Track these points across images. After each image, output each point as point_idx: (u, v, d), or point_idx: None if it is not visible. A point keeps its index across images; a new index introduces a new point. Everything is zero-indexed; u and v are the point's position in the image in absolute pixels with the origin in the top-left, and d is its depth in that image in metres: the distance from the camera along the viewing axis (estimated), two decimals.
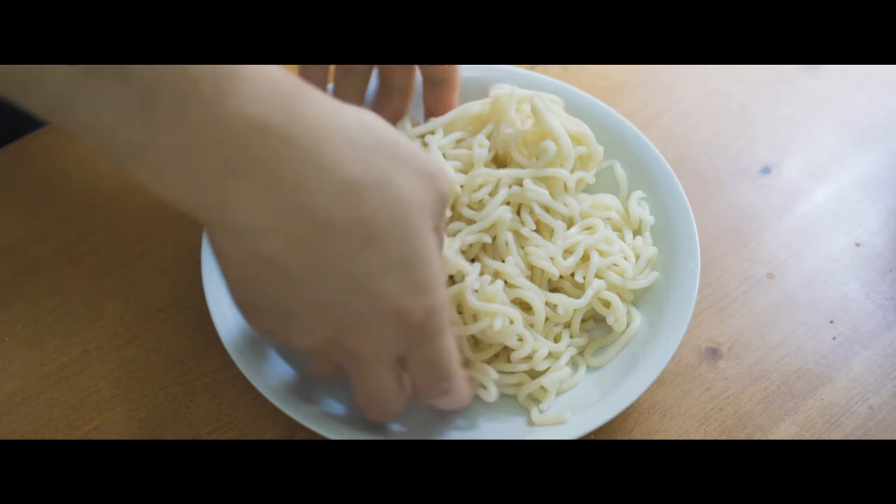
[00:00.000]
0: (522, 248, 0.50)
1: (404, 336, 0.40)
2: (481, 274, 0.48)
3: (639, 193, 0.55)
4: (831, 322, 0.55)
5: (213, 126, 0.35)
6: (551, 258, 0.50)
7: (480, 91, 0.58)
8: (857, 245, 0.58)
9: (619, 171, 0.56)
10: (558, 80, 0.59)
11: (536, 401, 0.49)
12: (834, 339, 0.54)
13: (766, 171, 0.62)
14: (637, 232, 0.55)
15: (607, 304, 0.51)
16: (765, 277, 0.57)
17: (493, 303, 0.47)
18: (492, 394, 0.48)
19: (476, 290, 0.48)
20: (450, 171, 0.50)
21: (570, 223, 0.52)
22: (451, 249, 0.48)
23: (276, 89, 0.36)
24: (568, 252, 0.51)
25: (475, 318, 0.48)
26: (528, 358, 0.49)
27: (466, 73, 0.59)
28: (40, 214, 0.57)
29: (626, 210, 0.55)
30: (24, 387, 0.50)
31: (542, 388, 0.49)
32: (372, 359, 0.41)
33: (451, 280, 0.49)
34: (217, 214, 0.37)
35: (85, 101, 0.34)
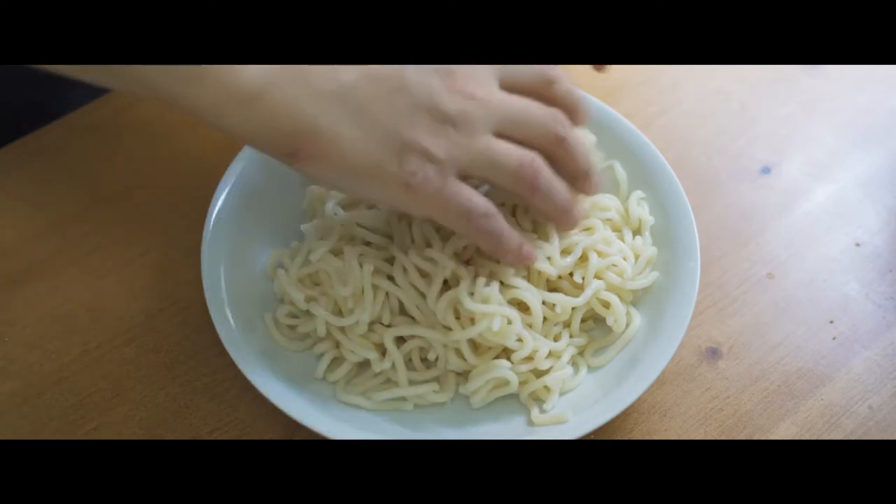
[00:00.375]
0: None
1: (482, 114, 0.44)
2: (476, 276, 0.48)
3: (638, 193, 0.55)
4: (831, 322, 0.55)
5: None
6: (549, 258, 0.50)
7: None
8: (857, 245, 0.58)
9: (620, 171, 0.56)
10: None
11: (539, 400, 0.49)
12: (834, 339, 0.54)
13: (766, 171, 0.62)
14: (637, 232, 0.55)
15: (607, 305, 0.51)
16: (765, 277, 0.57)
17: (489, 304, 0.47)
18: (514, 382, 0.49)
19: (472, 294, 0.47)
20: None
21: None
22: (446, 253, 0.48)
23: None
24: (566, 252, 0.51)
25: (472, 321, 0.48)
26: (529, 358, 0.49)
27: None
28: (40, 214, 0.57)
29: (626, 210, 0.55)
30: (24, 387, 0.50)
31: (545, 387, 0.49)
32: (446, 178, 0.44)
33: (446, 284, 0.49)
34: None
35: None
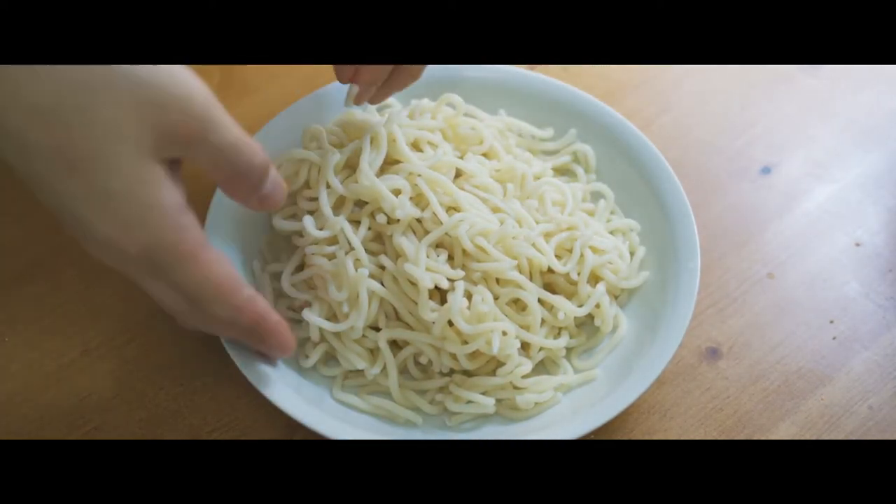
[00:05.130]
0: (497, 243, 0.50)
1: (137, 265, 0.40)
2: (466, 280, 0.49)
3: (573, 131, 0.58)
4: (831, 322, 0.55)
5: None
6: (533, 244, 0.50)
7: (480, 91, 0.59)
8: (857, 245, 0.58)
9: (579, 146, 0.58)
10: (558, 80, 0.59)
11: (516, 410, 0.49)
12: (834, 339, 0.54)
13: (766, 171, 0.62)
14: (587, 169, 0.57)
15: (597, 305, 0.51)
16: (765, 277, 0.57)
17: (484, 322, 0.47)
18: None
19: (468, 307, 0.48)
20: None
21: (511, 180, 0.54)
22: (420, 266, 0.48)
23: None
24: (565, 249, 0.51)
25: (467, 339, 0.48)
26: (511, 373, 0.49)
27: (467, 73, 0.59)
28: (40, 214, 0.57)
29: (575, 155, 0.58)
30: (24, 387, 0.50)
31: (517, 408, 0.49)
32: (133, 274, 0.42)
33: (440, 295, 0.49)
34: None
35: None
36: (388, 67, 0.51)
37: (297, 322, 0.51)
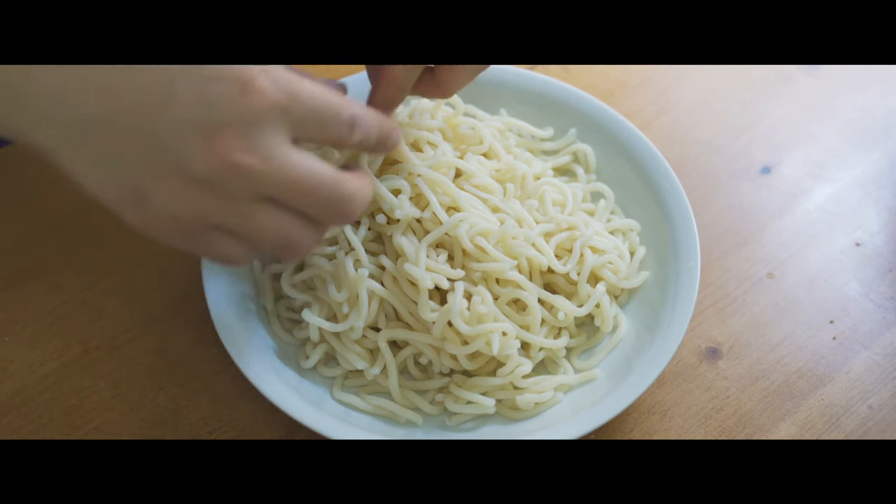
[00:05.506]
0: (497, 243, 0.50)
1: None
2: (465, 280, 0.49)
3: (573, 131, 0.58)
4: (831, 322, 0.55)
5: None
6: (532, 244, 0.50)
7: (480, 91, 0.59)
8: (857, 245, 0.58)
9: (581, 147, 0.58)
10: (558, 80, 0.59)
11: (516, 410, 0.49)
12: (834, 339, 0.54)
13: (766, 171, 0.62)
14: (587, 169, 0.57)
15: (597, 305, 0.51)
16: (765, 277, 0.57)
17: (484, 323, 0.47)
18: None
19: (467, 308, 0.48)
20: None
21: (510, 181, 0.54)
22: (420, 266, 0.48)
23: None
24: (565, 249, 0.51)
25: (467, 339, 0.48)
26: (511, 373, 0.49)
27: None
28: (40, 214, 0.57)
29: (575, 155, 0.58)
30: (24, 387, 0.50)
31: (516, 407, 0.49)
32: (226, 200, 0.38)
33: (440, 295, 0.49)
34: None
35: None
36: (416, 72, 0.48)
37: (297, 323, 0.51)
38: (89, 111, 0.36)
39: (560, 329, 0.51)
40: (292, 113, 0.38)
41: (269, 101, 0.37)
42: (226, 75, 0.36)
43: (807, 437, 0.50)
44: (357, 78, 0.57)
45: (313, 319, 0.48)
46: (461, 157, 0.54)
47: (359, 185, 0.41)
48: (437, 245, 0.50)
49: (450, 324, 0.48)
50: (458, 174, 0.53)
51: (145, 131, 0.36)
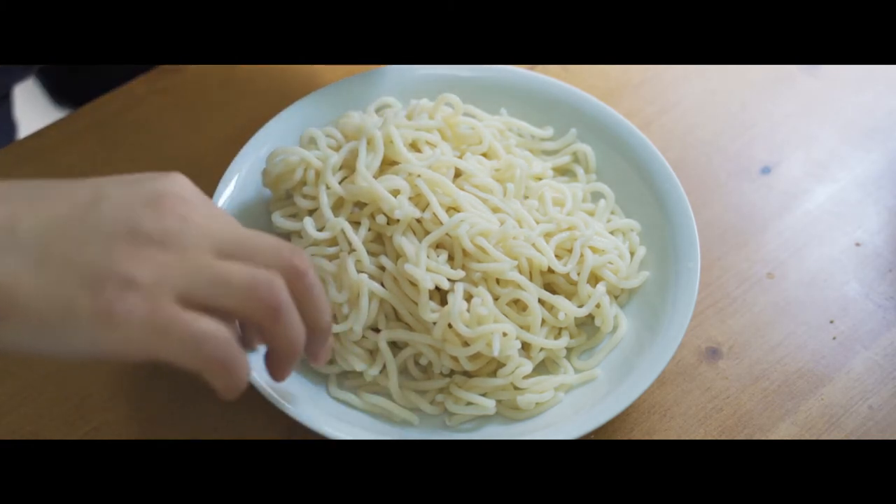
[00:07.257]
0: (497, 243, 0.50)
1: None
2: (465, 280, 0.49)
3: (573, 131, 0.58)
4: (831, 322, 0.55)
5: None
6: (533, 244, 0.50)
7: (480, 91, 0.58)
8: (857, 245, 0.58)
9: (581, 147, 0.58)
10: (558, 80, 0.59)
11: (517, 410, 0.49)
12: (834, 339, 0.54)
13: (766, 171, 0.62)
14: (587, 169, 0.57)
15: (597, 305, 0.51)
16: (765, 277, 0.57)
17: (484, 324, 0.47)
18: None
19: (467, 310, 0.48)
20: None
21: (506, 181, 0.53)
22: (421, 267, 0.48)
23: None
24: (565, 250, 0.51)
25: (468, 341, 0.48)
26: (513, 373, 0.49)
27: (467, 73, 0.59)
28: None
29: (575, 155, 0.57)
30: (24, 387, 0.50)
31: (517, 407, 0.49)
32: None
33: (440, 295, 0.49)
34: None
35: None
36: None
37: None
38: (21, 226, 0.36)
39: (560, 329, 0.51)
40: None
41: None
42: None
43: (807, 437, 0.50)
44: (357, 78, 0.57)
45: None
46: (460, 157, 0.54)
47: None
48: (438, 245, 0.50)
49: (450, 325, 0.48)
50: (458, 174, 0.53)
51: (84, 221, 0.37)
